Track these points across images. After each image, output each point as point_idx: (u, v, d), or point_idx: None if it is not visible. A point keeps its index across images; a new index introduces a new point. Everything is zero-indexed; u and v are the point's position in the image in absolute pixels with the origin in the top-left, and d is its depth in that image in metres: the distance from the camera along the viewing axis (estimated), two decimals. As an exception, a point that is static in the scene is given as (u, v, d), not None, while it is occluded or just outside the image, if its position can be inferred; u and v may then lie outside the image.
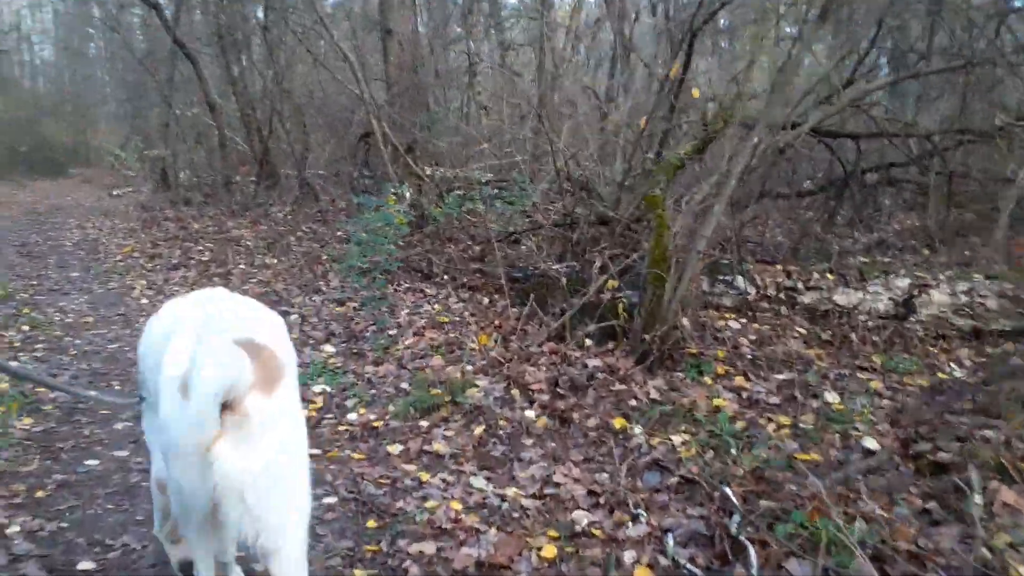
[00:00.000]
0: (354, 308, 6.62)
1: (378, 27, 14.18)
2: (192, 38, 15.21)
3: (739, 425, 3.62)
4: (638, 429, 3.63)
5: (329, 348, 5.71)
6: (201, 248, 9.65)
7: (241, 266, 8.58)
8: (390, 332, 5.79)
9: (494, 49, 17.22)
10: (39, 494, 3.39)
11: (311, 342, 5.89)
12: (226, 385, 1.72)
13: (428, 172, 9.23)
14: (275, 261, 8.64)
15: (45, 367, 5.37)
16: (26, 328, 6.27)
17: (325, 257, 8.47)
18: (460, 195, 7.67)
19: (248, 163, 13.36)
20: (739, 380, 4.10)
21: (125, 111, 32.78)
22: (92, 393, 4.16)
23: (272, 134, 13.14)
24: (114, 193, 19.29)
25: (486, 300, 6.55)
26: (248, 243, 9.66)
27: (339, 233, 9.56)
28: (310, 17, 11.46)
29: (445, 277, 7.33)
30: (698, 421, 3.68)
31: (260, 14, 13.99)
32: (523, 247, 7.74)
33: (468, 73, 15.97)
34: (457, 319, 6.06)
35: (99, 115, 36.21)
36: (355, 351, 5.57)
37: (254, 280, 7.91)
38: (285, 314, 6.69)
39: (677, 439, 3.53)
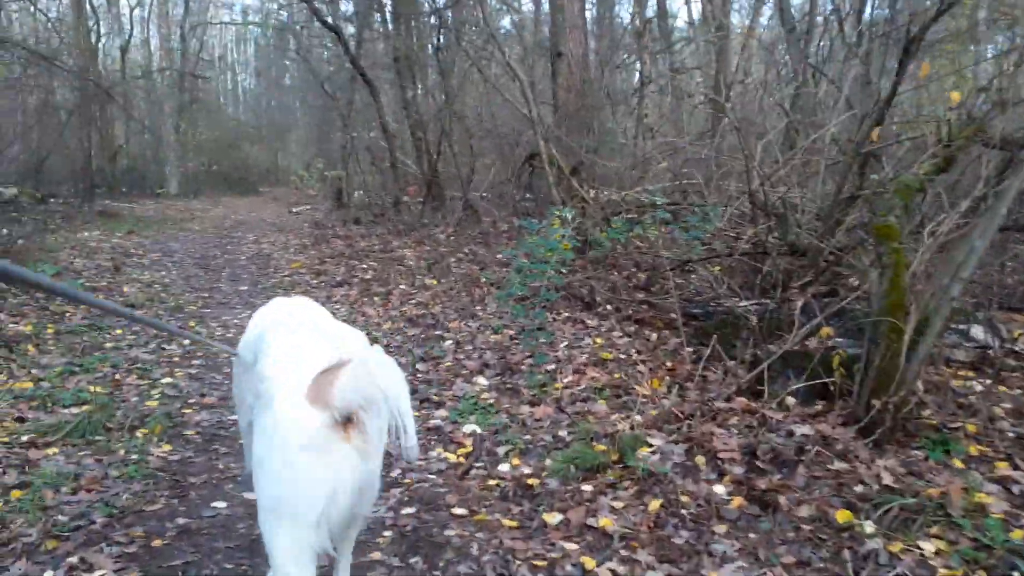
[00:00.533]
0: (511, 337, 6.01)
1: (548, 51, 13.79)
2: (371, 64, 15.47)
3: (1017, 535, 2.62)
4: (870, 526, 2.71)
5: (482, 381, 5.11)
6: (365, 267, 9.46)
7: (402, 286, 8.23)
8: (548, 367, 5.11)
9: (662, 73, 16.45)
10: (156, 542, 2.95)
11: (464, 372, 5.31)
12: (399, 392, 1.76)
13: (592, 194, 8.55)
14: (435, 282, 8.22)
15: (197, 385, 5.12)
16: (187, 343, 6.13)
17: (483, 280, 7.96)
18: (628, 219, 6.91)
19: (417, 184, 13.22)
20: (1002, 466, 3.06)
21: (312, 135, 34.72)
22: (200, 337, 3.97)
23: (440, 156, 12.97)
24: (293, 211, 20.05)
25: (654, 336, 5.74)
26: (410, 263, 9.35)
27: (499, 256, 9.08)
28: (482, 38, 11.16)
29: (608, 307, 6.59)
30: (955, 523, 2.70)
31: (435, 38, 13.95)
32: (693, 277, 6.88)
33: (637, 95, 15.26)
34: (622, 356, 5.29)
35: (290, 139, 38.60)
36: (509, 386, 4.93)
37: (412, 301, 7.50)
38: (440, 339, 6.20)
39: (928, 547, 2.58)
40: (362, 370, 1.71)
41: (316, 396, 1.76)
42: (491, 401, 4.69)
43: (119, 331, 6.34)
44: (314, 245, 11.51)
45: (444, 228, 11.76)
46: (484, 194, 13.04)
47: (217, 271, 9.56)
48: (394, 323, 6.76)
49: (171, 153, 24.24)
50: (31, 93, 18.25)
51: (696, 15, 22.01)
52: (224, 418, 4.49)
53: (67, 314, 6.66)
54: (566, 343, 5.66)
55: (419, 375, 5.34)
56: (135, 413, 4.42)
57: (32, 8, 20.83)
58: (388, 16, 15.81)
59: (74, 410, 4.48)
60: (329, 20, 13.52)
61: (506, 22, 19.15)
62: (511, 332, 6.15)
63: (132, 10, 25.87)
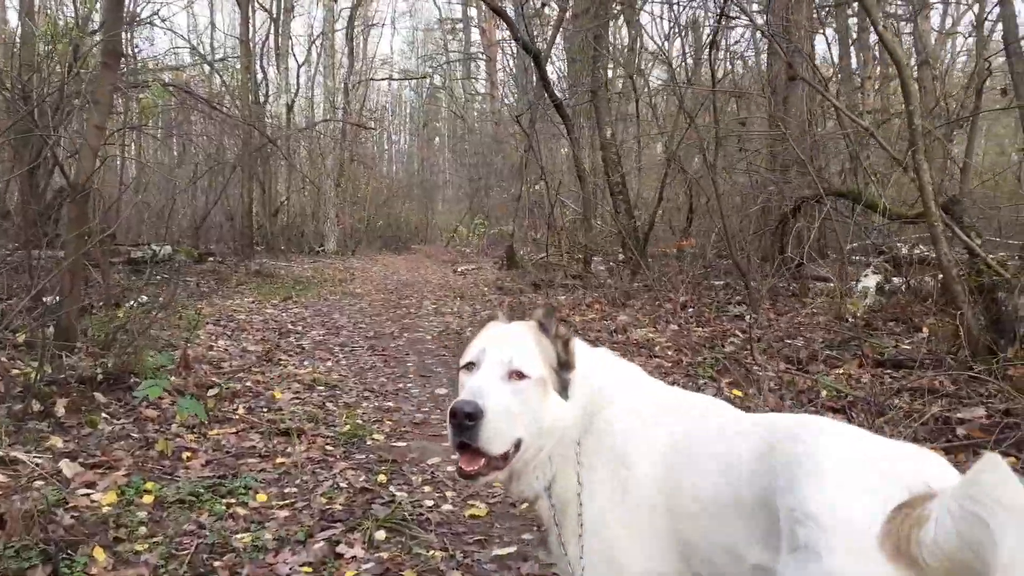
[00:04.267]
0: None
1: (768, 80, 10.52)
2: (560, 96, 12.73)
3: None
4: None
5: None
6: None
7: (679, 397, 5.04)
8: None
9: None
10: None
11: None
12: None
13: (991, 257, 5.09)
14: (740, 394, 4.98)
15: None
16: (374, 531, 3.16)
17: (827, 393, 4.64)
18: None
19: (688, 236, 9.80)
20: None
21: (464, 192, 33.00)
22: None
23: (662, 202, 9.88)
24: (458, 270, 17.53)
25: None
26: (669, 354, 6.18)
27: (807, 339, 5.77)
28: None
29: None
30: None
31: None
32: None
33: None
34: None
35: (438, 197, 37.31)
36: None
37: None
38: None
39: None
40: (969, 505, 1.00)
41: (896, 546, 1.07)
42: None
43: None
44: (510, 318, 8.57)
45: (672, 296, 8.54)
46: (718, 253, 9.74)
47: (400, 360, 6.73)
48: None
49: (331, 209, 22.56)
50: (197, 147, 16.89)
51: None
52: None
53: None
54: None
55: None
56: None
57: (208, 69, 19.91)
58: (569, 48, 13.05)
59: None
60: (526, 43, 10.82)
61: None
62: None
63: (299, 67, 24.82)
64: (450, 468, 4.01)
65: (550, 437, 1.68)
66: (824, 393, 4.69)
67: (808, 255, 8.38)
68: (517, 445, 1.64)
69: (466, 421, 1.55)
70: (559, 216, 13.32)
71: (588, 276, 10.74)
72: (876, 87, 12.84)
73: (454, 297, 11.18)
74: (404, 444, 4.35)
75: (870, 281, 7.25)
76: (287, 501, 3.48)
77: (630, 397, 1.71)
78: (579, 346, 1.80)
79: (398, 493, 3.63)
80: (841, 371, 5.21)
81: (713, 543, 1.43)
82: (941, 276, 4.98)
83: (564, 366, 1.71)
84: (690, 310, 8.13)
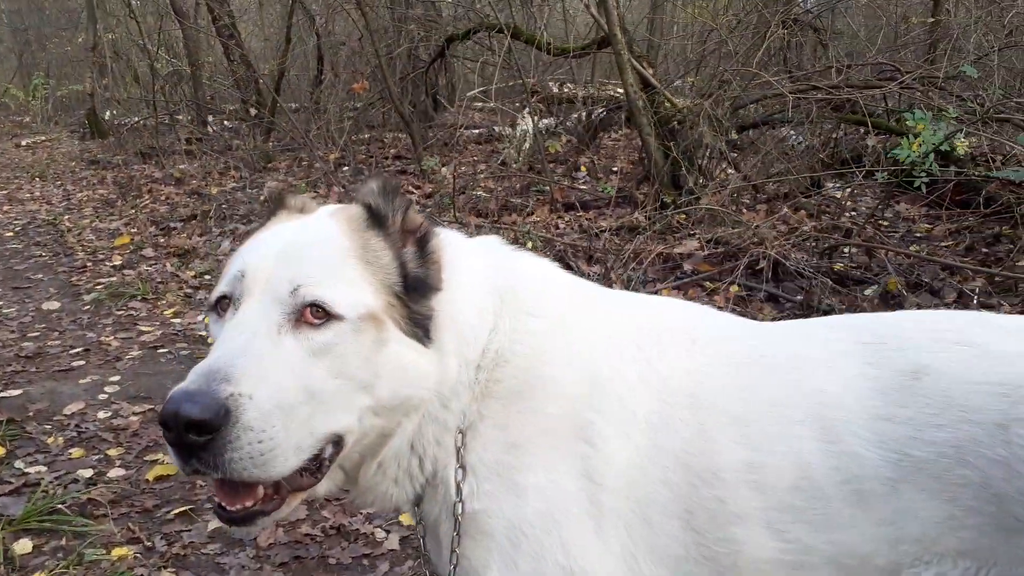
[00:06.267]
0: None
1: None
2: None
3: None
4: None
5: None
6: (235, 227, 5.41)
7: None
8: None
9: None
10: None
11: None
12: None
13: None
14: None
15: None
16: None
17: (513, 235, 4.43)
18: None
19: (364, 78, 8.17)
20: None
21: (7, 46, 26.54)
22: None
23: (290, 46, 8.65)
24: (22, 144, 14.05)
25: None
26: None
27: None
28: None
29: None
30: None
31: None
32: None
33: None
34: None
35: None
36: None
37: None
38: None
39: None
40: None
41: None
42: None
43: None
44: (123, 198, 6.95)
45: (327, 155, 7.66)
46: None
47: (-29, 270, 4.95)
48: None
49: None
50: None
51: None
52: None
53: None
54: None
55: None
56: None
57: None
58: None
59: None
60: None
61: None
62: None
63: None
64: (102, 414, 2.94)
65: (403, 414, 0.97)
66: (530, 244, 4.47)
67: (459, 100, 8.11)
68: (337, 442, 0.93)
69: (192, 436, 0.82)
70: (158, 68, 11.14)
71: (209, 139, 9.22)
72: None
73: (31, 178, 8.79)
74: (19, 392, 3.08)
75: (527, 124, 7.20)
76: None
77: (567, 323, 1.03)
78: (449, 242, 1.06)
79: (31, 470, 2.52)
80: (536, 218, 5.05)
81: (794, 553, 0.89)
82: (627, 108, 4.97)
83: (420, 286, 0.98)
84: (346, 168, 7.41)
